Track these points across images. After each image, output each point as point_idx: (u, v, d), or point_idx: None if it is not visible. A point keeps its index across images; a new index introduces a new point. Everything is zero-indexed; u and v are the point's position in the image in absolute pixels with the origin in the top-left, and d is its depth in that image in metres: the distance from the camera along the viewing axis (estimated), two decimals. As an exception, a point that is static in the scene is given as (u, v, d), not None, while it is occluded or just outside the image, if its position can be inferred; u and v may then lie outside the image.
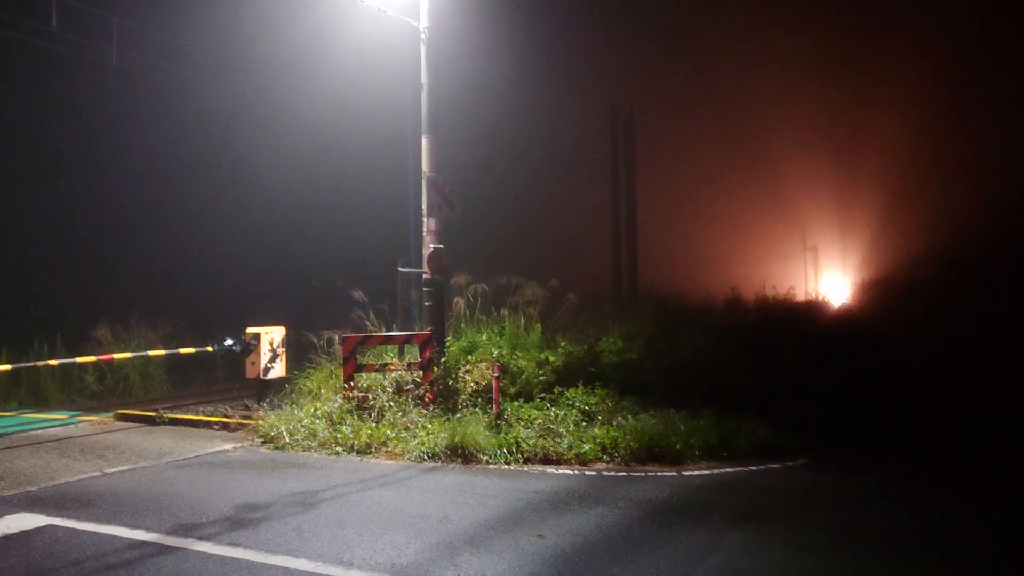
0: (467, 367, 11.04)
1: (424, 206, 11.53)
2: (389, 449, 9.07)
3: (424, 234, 11.62)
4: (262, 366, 12.22)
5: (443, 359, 10.95)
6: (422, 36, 11.76)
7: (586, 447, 8.66)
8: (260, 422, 10.28)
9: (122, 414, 12.12)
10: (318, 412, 10.08)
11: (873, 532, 6.15)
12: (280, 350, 12.50)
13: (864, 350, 12.93)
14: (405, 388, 10.47)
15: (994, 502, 7.15)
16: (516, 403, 10.17)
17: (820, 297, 21.80)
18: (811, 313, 17.32)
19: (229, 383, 15.25)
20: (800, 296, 19.84)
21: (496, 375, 9.76)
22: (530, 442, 8.80)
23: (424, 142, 11.65)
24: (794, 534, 6.16)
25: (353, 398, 10.17)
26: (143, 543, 5.87)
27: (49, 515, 6.63)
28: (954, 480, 8.02)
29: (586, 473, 8.17)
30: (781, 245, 27.38)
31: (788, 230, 27.99)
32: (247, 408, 11.99)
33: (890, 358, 12.52)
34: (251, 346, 12.27)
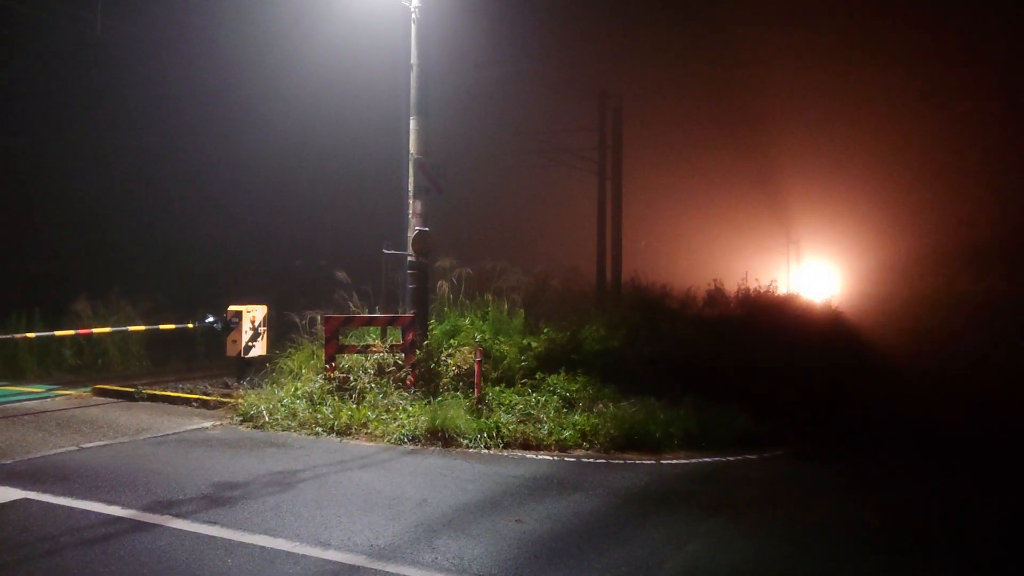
0: (449, 351, 11.03)
1: (411, 188, 11.45)
2: (369, 431, 9.06)
3: (410, 216, 11.55)
4: (243, 344, 12.14)
5: (426, 342, 10.92)
6: (413, 16, 11.64)
7: (566, 433, 8.68)
8: (240, 400, 10.23)
9: (100, 389, 12.01)
10: (299, 392, 10.04)
11: (849, 525, 6.22)
12: (261, 329, 12.42)
13: (845, 345, 13.06)
14: (387, 370, 10.45)
15: (967, 497, 7.24)
16: (498, 388, 10.18)
17: (801, 291, 21.97)
18: (792, 307, 17.46)
19: (209, 361, 15.14)
20: (782, 289, 19.98)
21: (478, 359, 9.77)
22: (510, 427, 8.82)
23: (412, 123, 11.56)
24: (771, 525, 6.23)
25: (334, 379, 10.14)
26: (119, 519, 5.84)
27: (24, 489, 6.57)
28: (931, 476, 8.12)
29: (565, 459, 8.21)
30: (765, 238, 27.56)
31: (772, 223, 28.16)
32: (227, 386, 11.92)
33: (871, 353, 12.65)
34: (232, 324, 12.18)
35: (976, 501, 7.11)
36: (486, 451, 8.46)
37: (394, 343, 10.85)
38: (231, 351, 12.32)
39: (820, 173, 28.03)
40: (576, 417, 9.14)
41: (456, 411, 8.99)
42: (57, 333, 12.82)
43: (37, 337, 12.85)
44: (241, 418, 9.79)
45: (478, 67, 24.86)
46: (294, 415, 9.52)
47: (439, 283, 12.72)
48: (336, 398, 9.80)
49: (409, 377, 10.29)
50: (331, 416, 9.31)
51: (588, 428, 8.78)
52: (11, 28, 17.25)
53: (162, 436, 8.99)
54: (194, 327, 13.06)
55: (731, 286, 16.81)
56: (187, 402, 11.12)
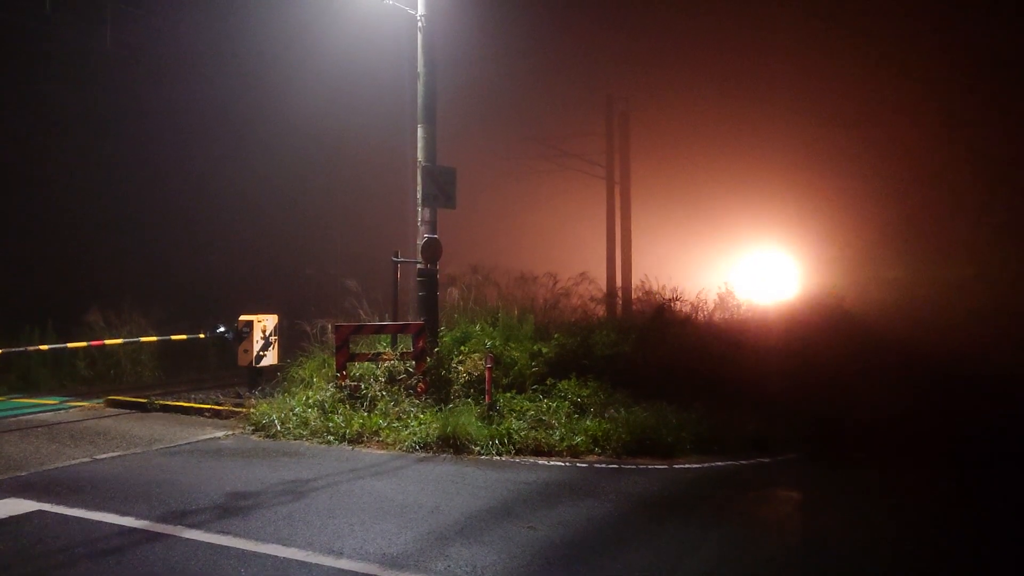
0: (460, 357, 11.03)
1: (419, 195, 11.49)
2: (381, 439, 9.06)
3: (418, 224, 11.59)
4: (254, 354, 12.18)
5: (436, 349, 10.93)
6: (419, 24, 11.69)
7: (578, 439, 8.66)
8: (252, 410, 10.25)
9: (113, 400, 12.07)
10: (310, 401, 10.05)
11: (863, 530, 6.18)
12: (273, 338, 12.46)
13: (856, 345, 12.98)
14: (398, 378, 10.46)
15: (981, 502, 7.18)
16: (508, 394, 10.17)
17: (813, 293, 21.82)
18: (803, 309, 17.36)
19: (221, 370, 15.20)
20: (793, 292, 19.90)
21: (489, 366, 9.75)
22: (522, 433, 8.80)
23: (420, 131, 11.60)
24: (784, 529, 6.20)
25: (345, 387, 10.15)
26: (133, 530, 5.86)
27: (39, 500, 6.61)
28: (946, 480, 8.04)
29: (578, 465, 8.18)
30: (775, 240, 27.40)
31: (782, 225, 28.00)
32: (239, 396, 11.96)
33: (882, 356, 12.57)
34: (244, 333, 12.22)
35: (992, 505, 7.03)
36: (498, 458, 8.45)
37: (404, 351, 10.86)
38: (242, 360, 12.36)
39: (829, 175, 27.81)
40: (588, 422, 9.12)
41: (467, 418, 8.98)
42: (70, 345, 12.89)
43: (50, 349, 12.92)
44: (253, 427, 9.82)
45: (484, 74, 24.92)
46: (306, 424, 9.53)
47: (449, 290, 12.73)
48: (347, 406, 9.82)
49: (420, 384, 10.30)
50: (343, 424, 9.32)
51: (600, 433, 8.76)
52: (20, 43, 17.41)
53: (175, 446, 9.02)
54: (205, 337, 13.11)
55: (743, 289, 16.75)
56: (199, 412, 11.16)
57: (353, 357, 10.67)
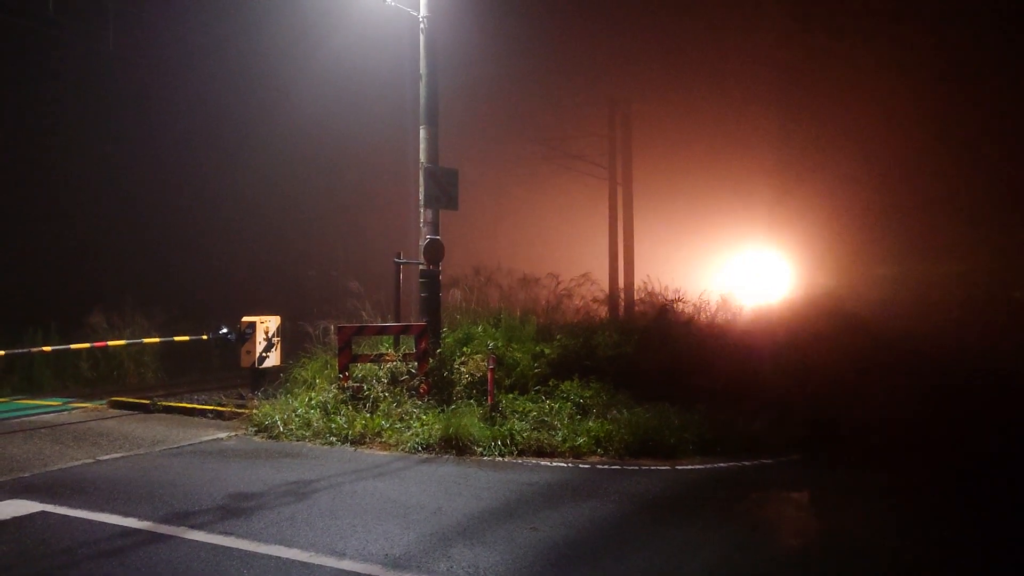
0: (462, 359, 11.03)
1: (421, 197, 11.49)
2: (383, 440, 9.06)
3: (421, 225, 11.59)
4: (257, 355, 12.19)
5: (438, 350, 10.93)
6: (421, 26, 11.70)
7: (580, 440, 8.65)
8: (254, 411, 10.26)
9: (116, 401, 12.08)
10: (313, 402, 10.06)
11: (866, 532, 6.17)
12: (275, 339, 12.47)
13: (858, 349, 12.97)
14: (400, 379, 10.45)
15: (986, 503, 7.16)
16: (511, 395, 10.16)
17: (813, 292, 21.82)
18: (803, 310, 17.34)
19: (224, 372, 15.21)
20: (793, 291, 19.89)
21: (491, 367, 9.75)
22: (524, 434, 8.79)
23: (422, 132, 11.61)
24: (787, 530, 6.19)
25: (348, 388, 10.15)
26: (135, 531, 5.86)
27: (42, 501, 6.62)
28: (950, 482, 8.03)
29: (580, 466, 8.18)
30: (776, 239, 27.36)
31: (782, 224, 27.94)
32: (241, 397, 11.96)
33: (882, 356, 12.56)
34: (246, 335, 12.24)
35: (993, 505, 7.02)
36: (500, 459, 8.44)
37: (407, 352, 10.86)
38: (245, 362, 12.37)
39: (827, 169, 27.75)
40: (590, 423, 9.11)
41: (470, 419, 8.98)
42: (73, 346, 12.91)
43: (53, 351, 12.94)
44: (256, 428, 9.82)
45: (486, 75, 24.93)
46: (308, 425, 9.54)
47: (451, 291, 12.73)
48: (350, 407, 9.82)
49: (422, 385, 10.29)
50: (345, 425, 9.32)
51: (602, 434, 8.75)
52: (22, 43, 17.45)
53: (177, 447, 9.03)
54: (208, 338, 13.12)
55: (744, 289, 16.76)
56: (202, 413, 11.17)
57: (356, 358, 10.68)
